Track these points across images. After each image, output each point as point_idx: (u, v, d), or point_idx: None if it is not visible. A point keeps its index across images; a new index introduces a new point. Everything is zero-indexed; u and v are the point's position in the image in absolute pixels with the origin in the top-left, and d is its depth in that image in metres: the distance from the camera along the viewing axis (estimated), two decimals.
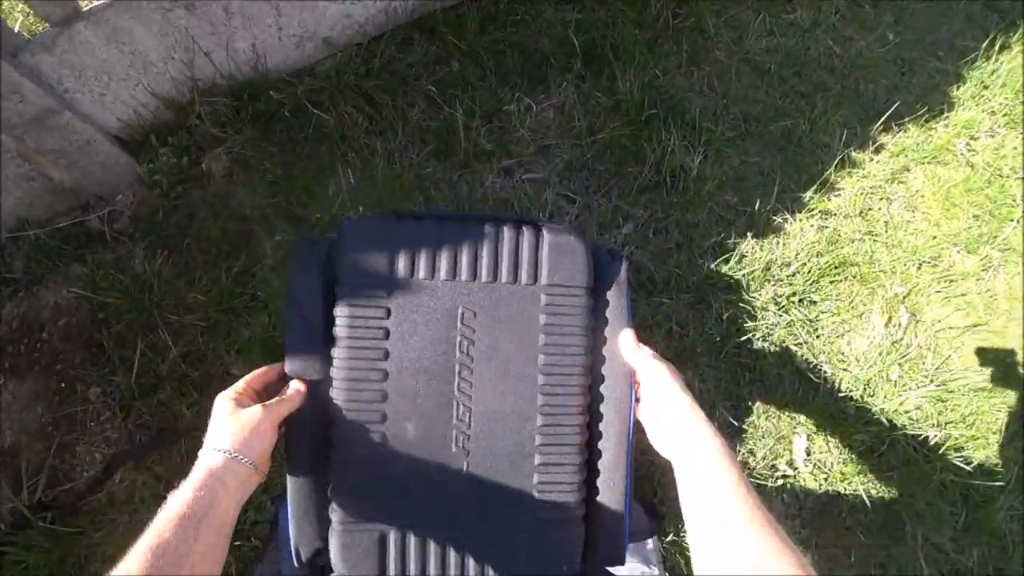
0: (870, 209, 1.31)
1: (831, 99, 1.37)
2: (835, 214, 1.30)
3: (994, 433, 1.16)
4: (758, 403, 1.16)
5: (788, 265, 1.24)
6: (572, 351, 0.67)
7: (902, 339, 1.21)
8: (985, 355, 1.22)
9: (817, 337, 1.21)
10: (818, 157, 1.33)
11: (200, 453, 0.54)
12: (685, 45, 1.39)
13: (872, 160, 1.34)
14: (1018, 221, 1.28)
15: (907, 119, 1.35)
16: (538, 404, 0.67)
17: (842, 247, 1.26)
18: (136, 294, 1.17)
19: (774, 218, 1.28)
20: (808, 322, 1.21)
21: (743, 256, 1.24)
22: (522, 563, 0.67)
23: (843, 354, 1.20)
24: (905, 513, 1.12)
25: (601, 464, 0.69)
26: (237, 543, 1.05)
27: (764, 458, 1.14)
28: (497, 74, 1.34)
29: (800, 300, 1.22)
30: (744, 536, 0.48)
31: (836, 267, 1.24)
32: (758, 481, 1.12)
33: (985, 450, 1.15)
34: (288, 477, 0.67)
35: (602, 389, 0.69)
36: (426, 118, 1.30)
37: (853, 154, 1.33)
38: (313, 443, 0.66)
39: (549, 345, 0.67)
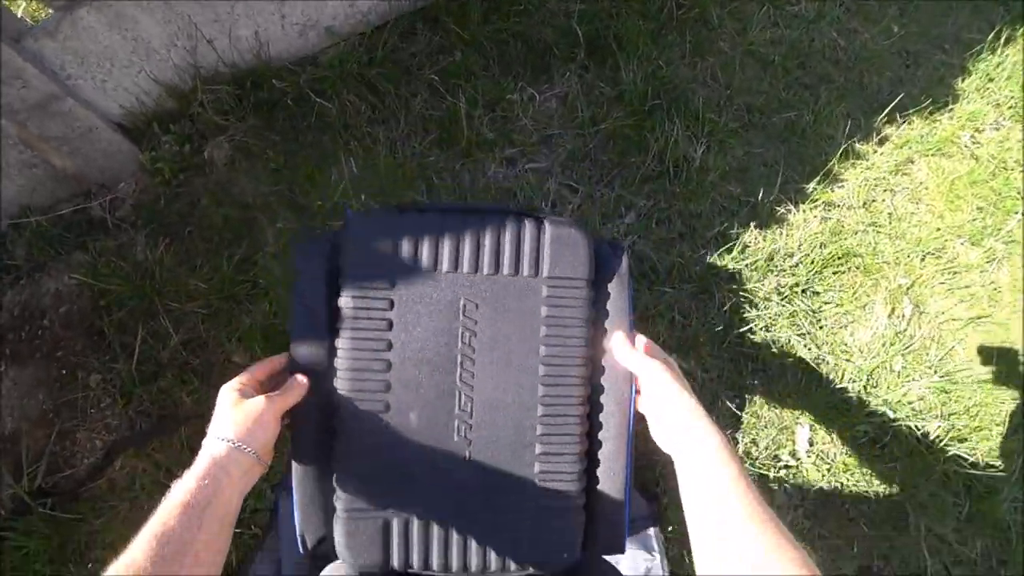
0: (874, 200, 1.30)
1: (835, 91, 1.37)
2: (838, 205, 1.29)
3: (998, 425, 1.16)
4: (761, 393, 1.16)
5: (791, 255, 1.24)
6: (573, 342, 0.68)
7: (905, 330, 1.21)
8: (988, 348, 1.21)
9: (820, 328, 1.21)
10: (822, 148, 1.33)
11: (204, 442, 0.54)
12: (689, 36, 1.38)
13: (876, 152, 1.33)
14: (1022, 214, 1.27)
15: (911, 111, 1.35)
16: (539, 394, 0.67)
17: (845, 238, 1.26)
18: (137, 281, 1.17)
19: (777, 209, 1.27)
20: (811, 313, 1.21)
21: (746, 246, 1.24)
22: (524, 550, 0.68)
23: (846, 345, 1.20)
24: (908, 504, 1.11)
25: (601, 454, 0.70)
26: (237, 531, 1.04)
27: (767, 448, 1.13)
28: (500, 64, 1.34)
29: (803, 291, 1.22)
30: (744, 534, 0.48)
31: (839, 258, 1.24)
32: (760, 471, 1.12)
33: (988, 442, 1.14)
34: (293, 466, 0.67)
35: (603, 380, 0.70)
36: (429, 107, 1.30)
37: (857, 146, 1.33)
38: (318, 433, 0.66)
39: (550, 336, 0.68)
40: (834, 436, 1.14)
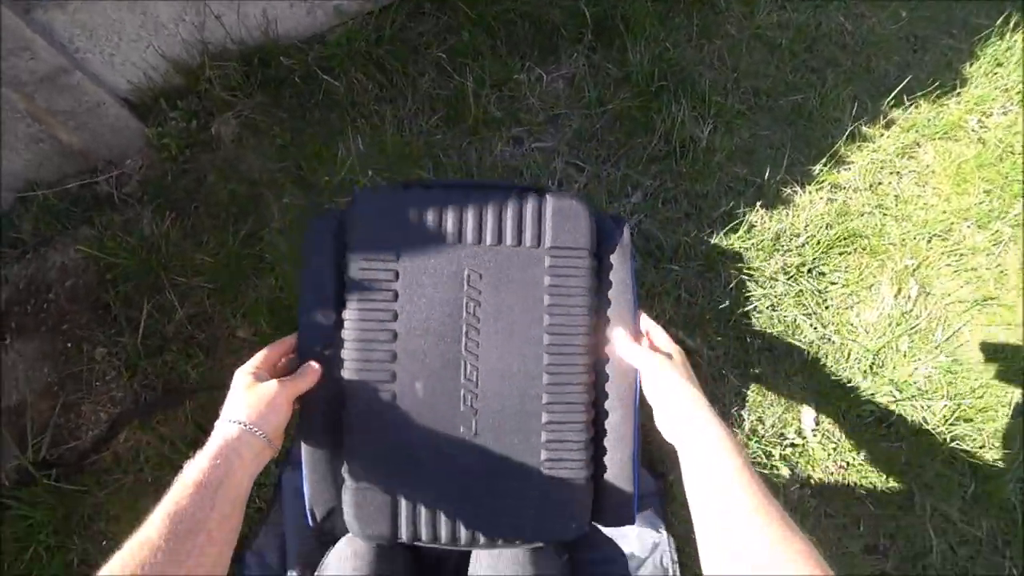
0: (880, 183, 1.30)
1: (842, 74, 1.37)
2: (844, 187, 1.29)
3: (1004, 406, 1.15)
4: (767, 371, 1.16)
5: (797, 236, 1.23)
6: (577, 311, 0.68)
7: (911, 311, 1.20)
8: (995, 329, 1.21)
9: (826, 308, 1.21)
10: (828, 131, 1.33)
11: (216, 424, 0.55)
12: (696, 18, 1.38)
13: (882, 135, 1.33)
14: None
15: (918, 95, 1.35)
16: (544, 363, 0.68)
17: (851, 220, 1.26)
18: (143, 255, 1.17)
19: (783, 190, 1.27)
20: (817, 293, 1.21)
21: (752, 226, 1.24)
22: (532, 521, 0.68)
23: (852, 325, 1.20)
24: (914, 484, 1.11)
25: (608, 424, 0.70)
26: None
27: (773, 426, 1.13)
28: (507, 44, 1.34)
29: (809, 271, 1.21)
30: (749, 525, 0.47)
31: (845, 239, 1.23)
32: (766, 449, 1.12)
33: (995, 423, 1.14)
34: (303, 440, 0.67)
35: (608, 350, 0.70)
36: (436, 86, 1.30)
37: (863, 128, 1.33)
38: (328, 404, 0.66)
39: (554, 306, 0.68)
40: (840, 415, 1.14)
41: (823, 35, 1.40)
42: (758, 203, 1.25)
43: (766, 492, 0.49)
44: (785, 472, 1.11)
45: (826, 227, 1.24)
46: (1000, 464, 1.12)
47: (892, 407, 1.15)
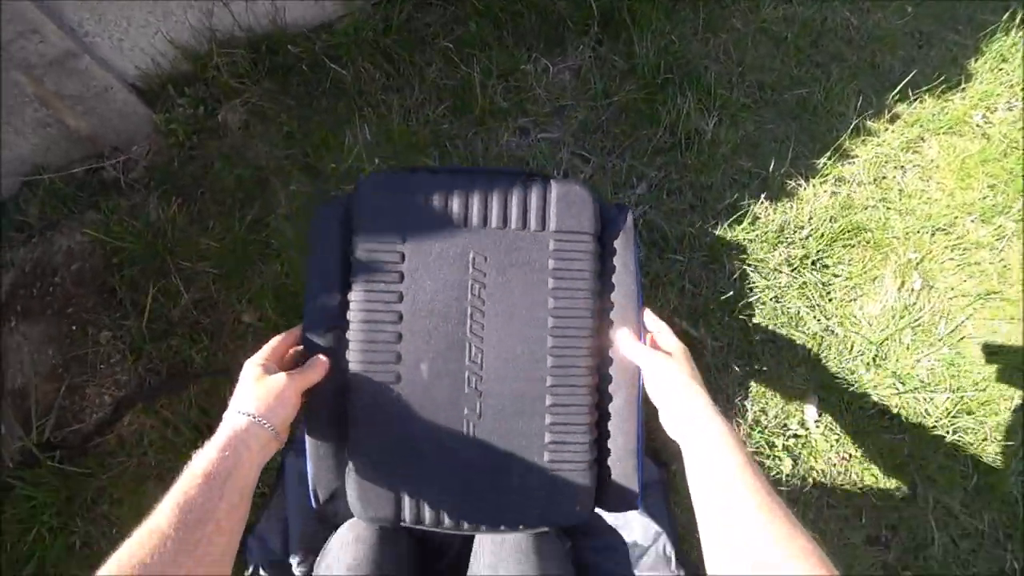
0: (884, 177, 1.31)
1: (847, 69, 1.38)
2: (849, 181, 1.29)
3: (1006, 399, 1.16)
4: (770, 362, 1.16)
5: (801, 228, 1.24)
6: (580, 295, 0.69)
7: (915, 304, 1.21)
8: (997, 323, 1.21)
9: (830, 300, 1.21)
10: (833, 125, 1.33)
11: (225, 415, 0.56)
12: (702, 12, 1.39)
13: (887, 129, 1.34)
14: None
15: (923, 90, 1.35)
16: (548, 346, 0.68)
17: (855, 213, 1.26)
18: (149, 240, 1.18)
19: (788, 182, 1.28)
20: (821, 285, 1.21)
21: (756, 218, 1.24)
22: (536, 506, 0.68)
23: (855, 317, 1.20)
24: (916, 476, 1.11)
25: (612, 407, 0.70)
26: None
27: (776, 416, 1.13)
28: (514, 35, 1.35)
29: (813, 263, 1.22)
30: (751, 523, 0.47)
31: (849, 232, 1.24)
32: (769, 439, 1.12)
33: (997, 416, 1.14)
34: (308, 432, 0.67)
35: (612, 333, 0.70)
36: (443, 76, 1.31)
37: (868, 123, 1.33)
38: (334, 396, 0.67)
39: (558, 289, 0.68)
40: (843, 407, 1.14)
41: (828, 30, 1.41)
42: (762, 195, 1.26)
43: (769, 489, 0.49)
44: (788, 463, 1.11)
45: (830, 220, 1.25)
46: (1002, 457, 1.12)
47: (895, 399, 1.15)
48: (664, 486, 1.05)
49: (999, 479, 1.11)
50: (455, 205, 0.69)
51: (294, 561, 0.87)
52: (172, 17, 1.20)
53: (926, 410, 1.14)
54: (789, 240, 1.23)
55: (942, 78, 1.35)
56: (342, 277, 0.68)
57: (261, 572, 0.89)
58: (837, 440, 1.13)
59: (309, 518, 0.88)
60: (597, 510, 0.90)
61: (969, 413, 1.14)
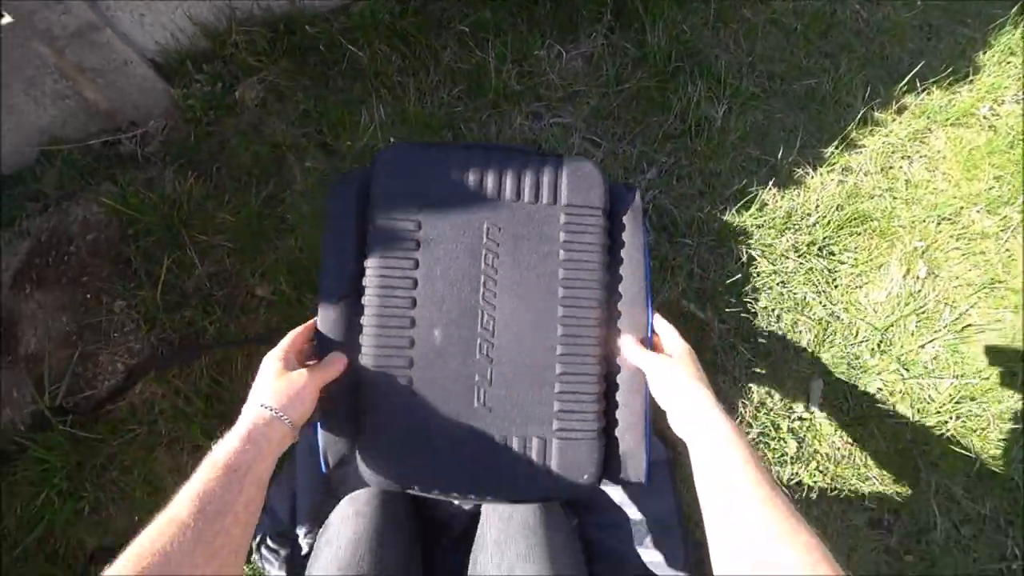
0: (891, 167, 1.32)
1: (856, 60, 1.39)
2: (856, 170, 1.31)
3: (1009, 387, 1.17)
4: (776, 346, 1.17)
5: (808, 215, 1.25)
6: (590, 267, 0.71)
7: (920, 291, 1.22)
8: (1001, 312, 1.22)
9: (835, 287, 1.22)
10: (841, 115, 1.35)
11: (245, 408, 0.57)
12: (713, 2, 1.41)
13: (894, 120, 1.35)
14: None
15: (931, 82, 1.37)
16: (558, 315, 0.69)
17: (862, 201, 1.27)
18: (165, 212, 1.19)
19: (795, 170, 1.29)
20: (827, 271, 1.22)
21: (764, 204, 1.25)
22: (544, 474, 0.69)
23: (861, 303, 1.21)
24: (920, 460, 1.12)
25: (620, 379, 0.71)
26: None
27: (781, 399, 1.14)
28: (528, 21, 1.36)
29: (819, 249, 1.23)
30: (754, 520, 0.47)
31: (855, 219, 1.25)
32: (775, 420, 1.13)
33: (1000, 403, 1.15)
34: (322, 427, 0.68)
35: (620, 306, 0.72)
36: (458, 59, 1.32)
37: (876, 113, 1.35)
38: (350, 388, 0.68)
39: (568, 260, 0.70)
40: (847, 391, 1.15)
41: (838, 22, 1.43)
42: (770, 182, 1.27)
43: (773, 485, 0.49)
44: (792, 444, 1.12)
45: (837, 208, 1.26)
46: (1005, 444, 1.13)
47: (899, 385, 1.16)
48: (670, 465, 1.06)
49: (1001, 465, 1.12)
50: (471, 178, 0.71)
51: (301, 531, 0.88)
52: None
53: (930, 396, 1.15)
54: (796, 227, 1.25)
55: (950, 70, 1.37)
56: (357, 247, 0.70)
57: (268, 541, 0.90)
58: (841, 424, 1.14)
59: (318, 491, 0.89)
60: (604, 487, 0.91)
61: (972, 400, 1.15)
